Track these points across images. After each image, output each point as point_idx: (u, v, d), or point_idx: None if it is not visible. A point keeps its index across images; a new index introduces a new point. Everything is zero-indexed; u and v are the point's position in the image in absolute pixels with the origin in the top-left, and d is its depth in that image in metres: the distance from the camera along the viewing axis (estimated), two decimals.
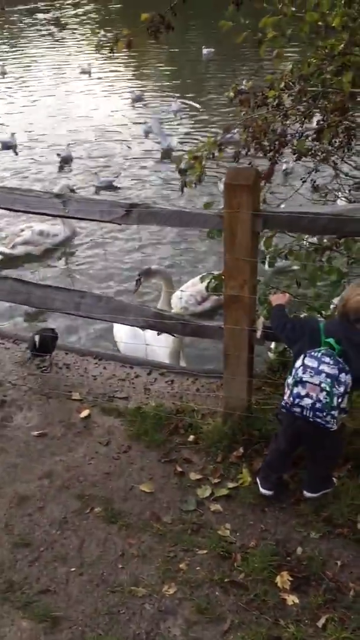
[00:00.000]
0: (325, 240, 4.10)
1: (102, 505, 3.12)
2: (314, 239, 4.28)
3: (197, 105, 13.52)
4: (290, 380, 2.76)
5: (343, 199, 4.92)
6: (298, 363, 2.73)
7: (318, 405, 2.66)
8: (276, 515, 3.02)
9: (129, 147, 11.50)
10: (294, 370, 2.74)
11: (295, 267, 5.13)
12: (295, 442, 2.99)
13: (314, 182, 4.86)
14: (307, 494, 3.07)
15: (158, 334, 4.54)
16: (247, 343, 3.25)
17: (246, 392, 3.38)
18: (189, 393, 3.91)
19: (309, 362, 2.69)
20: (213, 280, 3.99)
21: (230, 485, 3.19)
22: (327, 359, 2.66)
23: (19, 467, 3.40)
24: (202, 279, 4.43)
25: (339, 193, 4.97)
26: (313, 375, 2.66)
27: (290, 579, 2.69)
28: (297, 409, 2.73)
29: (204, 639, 2.51)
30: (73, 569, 2.82)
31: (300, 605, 2.60)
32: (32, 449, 3.53)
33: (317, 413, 2.68)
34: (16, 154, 11.53)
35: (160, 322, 3.63)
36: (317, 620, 2.54)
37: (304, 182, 4.70)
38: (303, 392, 2.69)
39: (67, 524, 3.04)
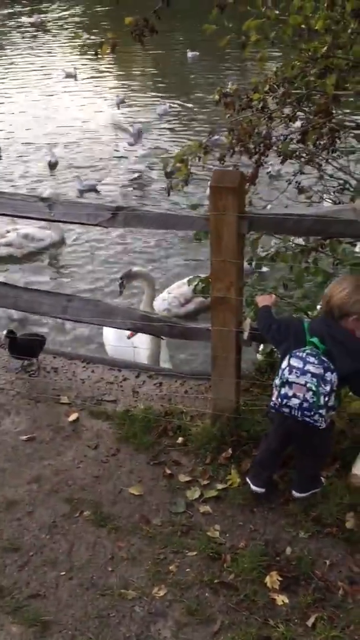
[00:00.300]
0: (310, 242, 4.13)
1: (91, 508, 3.12)
2: (300, 241, 4.31)
3: (190, 105, 13.54)
4: (277, 381, 2.77)
5: (328, 200, 4.95)
6: (284, 364, 2.74)
7: (305, 404, 2.68)
8: (265, 516, 3.04)
9: (116, 150, 11.47)
10: (280, 371, 2.75)
11: (264, 269, 5.15)
12: (286, 441, 3.01)
13: (299, 183, 4.89)
14: (296, 494, 3.09)
15: (128, 337, 4.56)
16: (235, 344, 3.26)
17: (234, 394, 3.39)
18: (177, 395, 3.92)
19: (295, 362, 2.70)
20: (200, 283, 4.01)
21: (219, 486, 3.20)
22: (312, 359, 2.67)
23: (7, 471, 3.39)
24: (189, 282, 4.45)
25: (325, 195, 5.00)
26: (299, 376, 2.67)
27: (280, 578, 2.70)
28: (286, 409, 2.75)
29: None
30: (63, 573, 2.81)
31: (289, 605, 2.61)
32: (21, 453, 3.51)
33: (305, 412, 2.70)
34: (0, 157, 11.50)
35: (147, 325, 3.63)
36: (307, 619, 2.55)
37: (289, 184, 4.73)
38: (290, 393, 2.70)
39: (57, 528, 3.03)
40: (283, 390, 2.73)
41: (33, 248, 8.07)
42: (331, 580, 2.71)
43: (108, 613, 2.63)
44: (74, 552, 2.91)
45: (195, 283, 4.05)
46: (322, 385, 2.65)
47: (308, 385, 2.65)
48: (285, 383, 2.71)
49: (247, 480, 3.14)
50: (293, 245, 4.25)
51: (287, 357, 2.74)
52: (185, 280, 6.63)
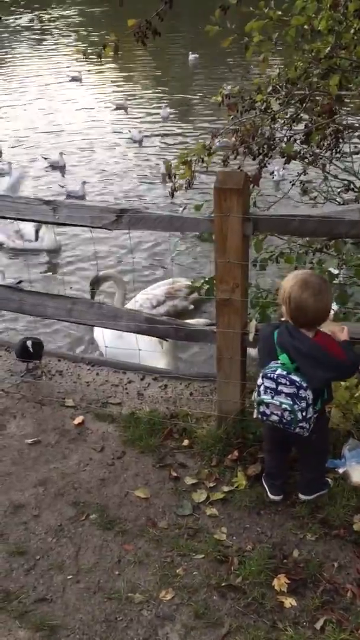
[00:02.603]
0: (316, 242, 4.12)
1: (98, 512, 3.11)
2: (305, 241, 4.30)
3: (193, 107, 13.50)
4: (255, 396, 2.72)
5: (332, 201, 4.94)
6: (259, 381, 2.68)
7: (285, 421, 2.67)
8: (272, 518, 3.02)
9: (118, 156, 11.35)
10: (256, 388, 2.70)
11: None
12: (285, 446, 3.03)
13: (303, 184, 4.89)
14: (302, 496, 3.07)
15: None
16: (240, 346, 3.25)
17: (240, 396, 3.38)
18: (182, 397, 3.91)
19: (267, 383, 2.65)
20: (204, 284, 4.00)
21: (226, 488, 3.18)
22: (283, 380, 2.61)
23: (13, 475, 3.38)
24: (193, 283, 4.44)
25: (330, 195, 4.99)
26: (273, 396, 2.63)
27: (288, 581, 2.68)
28: (269, 422, 2.75)
29: None
30: (69, 577, 2.80)
31: (298, 608, 2.59)
32: (26, 457, 3.51)
33: (287, 426, 2.70)
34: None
35: (152, 327, 3.62)
36: (315, 622, 2.53)
37: (292, 184, 4.73)
38: (268, 411, 2.69)
39: (63, 532, 3.02)
40: (261, 409, 2.71)
41: (20, 244, 8.05)
42: (339, 583, 2.69)
43: (115, 617, 2.62)
44: (81, 556, 2.90)
45: (200, 284, 4.04)
46: (298, 403, 2.61)
47: (283, 406, 2.62)
48: (261, 403, 2.68)
49: (265, 488, 3.12)
50: (298, 246, 4.25)
51: (260, 376, 2.68)
52: (160, 283, 6.75)
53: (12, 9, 27.19)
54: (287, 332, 2.68)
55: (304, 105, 4.12)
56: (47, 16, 26.84)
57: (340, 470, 3.15)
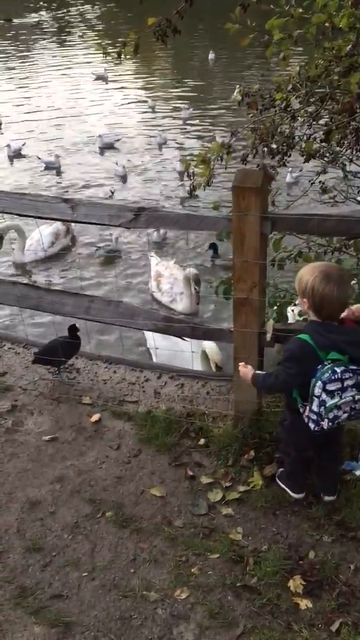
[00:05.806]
0: (334, 242, 4.09)
1: (114, 509, 3.12)
2: (323, 241, 4.27)
3: (213, 107, 13.39)
4: (319, 409, 2.63)
5: (352, 200, 4.89)
6: (317, 391, 2.60)
7: (354, 412, 2.66)
8: (288, 519, 3.01)
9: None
10: (316, 400, 2.62)
11: None
12: (310, 447, 3.01)
13: (322, 183, 4.85)
14: (326, 497, 3.04)
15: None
16: (257, 345, 3.23)
17: (256, 395, 3.36)
18: (199, 396, 3.90)
19: (331, 387, 2.58)
20: (221, 284, 3.99)
21: (242, 488, 3.17)
22: (346, 374, 2.58)
23: (30, 471, 3.40)
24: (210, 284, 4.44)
25: (349, 195, 4.95)
26: (342, 395, 2.60)
27: (303, 583, 2.67)
28: (335, 425, 2.69)
29: None
30: (85, 574, 2.82)
31: (313, 610, 2.58)
32: (43, 453, 3.53)
33: (355, 417, 2.69)
34: (11, 161, 11.54)
35: (169, 326, 3.62)
36: (331, 624, 2.51)
37: (312, 183, 4.70)
38: (340, 413, 2.64)
39: (79, 529, 3.04)
40: (331, 415, 2.63)
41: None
42: (356, 585, 2.67)
43: (130, 615, 2.62)
44: (96, 553, 2.91)
45: (217, 284, 4.03)
46: None
47: (356, 397, 2.62)
48: (333, 408, 2.62)
49: (285, 488, 3.11)
50: (316, 245, 4.22)
51: (320, 385, 2.59)
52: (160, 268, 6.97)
53: (31, 9, 27.32)
54: (324, 331, 2.64)
55: (324, 103, 4.09)
56: (67, 13, 26.98)
57: (357, 473, 3.12)
